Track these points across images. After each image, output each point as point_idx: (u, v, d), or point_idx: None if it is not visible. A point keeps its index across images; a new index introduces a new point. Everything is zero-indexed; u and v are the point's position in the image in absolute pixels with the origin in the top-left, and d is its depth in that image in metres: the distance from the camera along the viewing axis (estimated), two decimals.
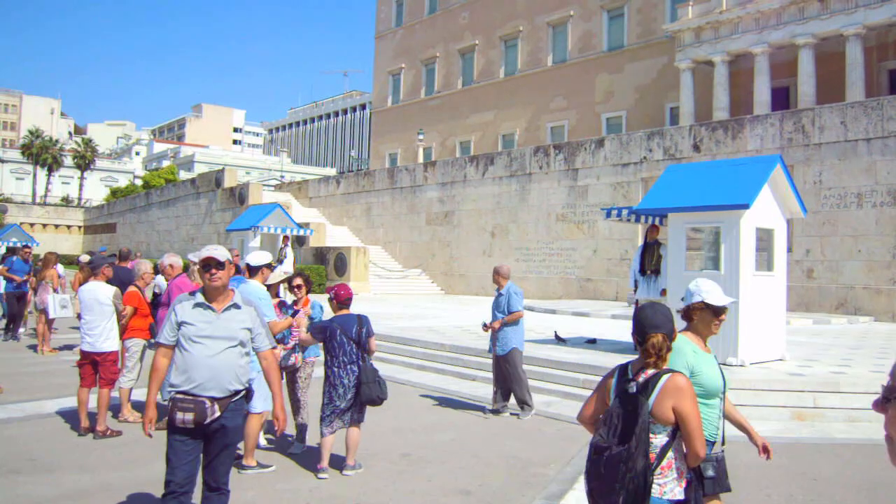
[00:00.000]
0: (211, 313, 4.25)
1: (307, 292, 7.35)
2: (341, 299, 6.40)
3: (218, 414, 4.14)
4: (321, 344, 6.65)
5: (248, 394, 4.40)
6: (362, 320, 6.29)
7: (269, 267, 6.84)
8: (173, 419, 4.10)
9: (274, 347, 4.55)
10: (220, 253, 4.26)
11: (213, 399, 4.14)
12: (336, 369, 6.17)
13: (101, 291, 7.78)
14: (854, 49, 28.85)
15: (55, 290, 13.54)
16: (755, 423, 7.92)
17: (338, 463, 6.28)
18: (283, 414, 4.52)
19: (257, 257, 6.77)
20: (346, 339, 6.17)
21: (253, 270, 6.65)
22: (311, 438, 6.58)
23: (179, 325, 4.24)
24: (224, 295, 4.33)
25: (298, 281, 7.28)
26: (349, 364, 6.15)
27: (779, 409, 8.29)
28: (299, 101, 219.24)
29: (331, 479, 6.02)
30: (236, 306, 4.34)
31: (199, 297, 4.31)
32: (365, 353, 6.21)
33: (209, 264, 4.22)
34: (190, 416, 4.07)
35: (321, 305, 7.34)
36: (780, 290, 10.58)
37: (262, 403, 6.40)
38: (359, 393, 6.08)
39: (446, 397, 9.77)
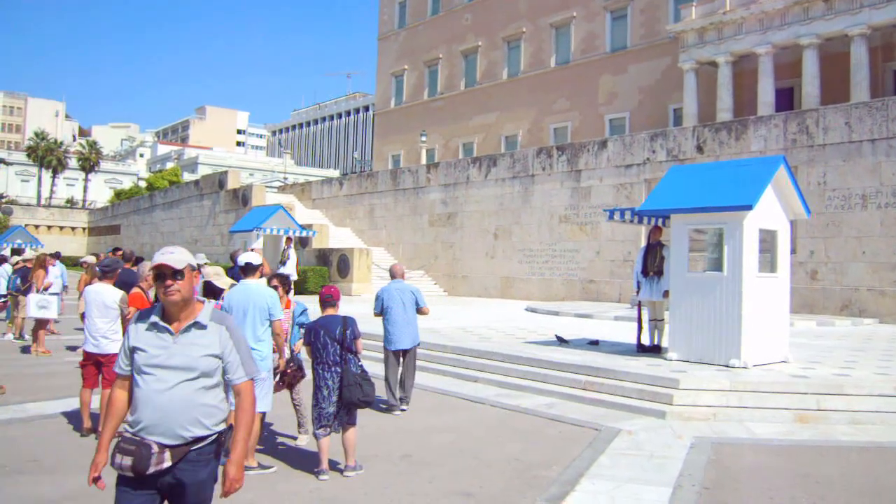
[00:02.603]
0: (167, 336, 3.31)
1: (286, 292, 7.38)
2: (322, 298, 6.47)
3: (168, 464, 3.21)
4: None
5: (221, 442, 3.40)
6: (347, 321, 6.30)
7: (261, 266, 6.88)
8: (112, 462, 3.28)
9: (253, 378, 3.48)
10: (177, 258, 3.33)
11: (162, 446, 3.22)
12: (321, 371, 6.19)
13: (108, 294, 7.79)
14: (859, 49, 28.78)
15: (37, 291, 13.63)
16: (758, 426, 7.93)
17: (338, 465, 6.28)
18: (237, 472, 3.35)
19: (254, 257, 6.73)
20: (330, 340, 6.18)
21: (250, 270, 6.61)
22: (310, 442, 6.56)
23: (132, 351, 3.37)
24: (187, 311, 3.36)
25: (275, 282, 7.28)
26: (333, 365, 6.15)
27: (782, 412, 8.26)
28: (303, 102, 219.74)
29: (332, 481, 6.01)
30: (199, 325, 3.35)
31: (155, 316, 3.38)
32: (349, 355, 6.20)
33: (162, 274, 3.29)
34: (128, 462, 3.19)
35: (304, 306, 7.36)
36: (784, 291, 10.55)
37: (261, 403, 6.38)
38: (342, 395, 6.09)
39: (448, 398, 9.76)
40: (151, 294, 8.63)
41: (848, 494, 5.88)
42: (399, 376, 9.13)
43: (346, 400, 6.07)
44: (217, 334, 3.36)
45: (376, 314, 9.27)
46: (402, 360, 9.23)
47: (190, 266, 3.36)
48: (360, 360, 6.34)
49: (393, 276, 9.58)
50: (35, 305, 13.06)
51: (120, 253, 15.10)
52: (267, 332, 6.43)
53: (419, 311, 9.34)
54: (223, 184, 37.51)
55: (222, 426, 3.39)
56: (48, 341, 14.97)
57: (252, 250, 14.26)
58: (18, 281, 15.25)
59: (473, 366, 11.33)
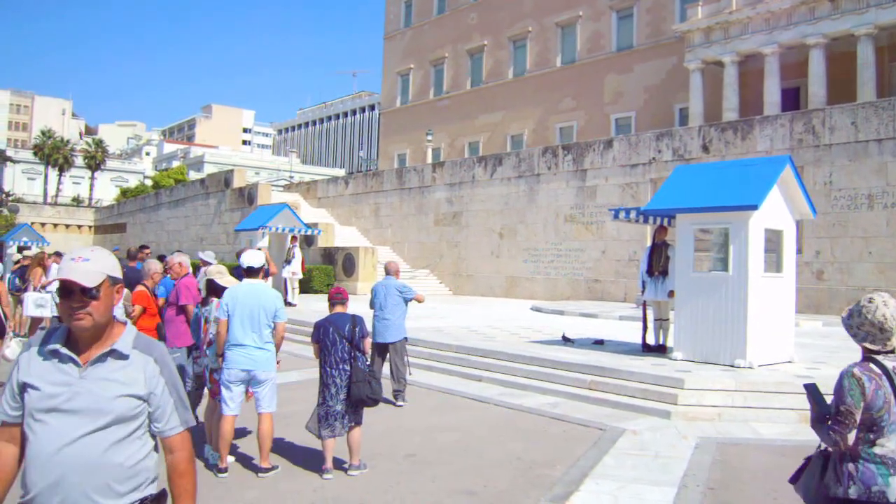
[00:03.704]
0: (71, 369, 2.40)
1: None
2: (331, 297, 6.54)
3: None
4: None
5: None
6: (356, 319, 6.31)
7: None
8: None
9: (191, 427, 2.60)
10: (90, 269, 2.42)
11: None
12: (329, 369, 6.17)
13: None
14: (865, 49, 28.66)
15: (34, 289, 13.63)
16: (763, 426, 7.91)
17: (342, 463, 6.28)
18: None
19: (258, 258, 6.61)
20: (339, 338, 6.17)
21: (254, 272, 6.54)
22: (313, 440, 6.56)
23: (22, 388, 2.42)
24: (102, 336, 2.48)
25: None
26: (342, 363, 6.14)
27: (787, 412, 8.23)
28: (308, 101, 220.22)
29: (335, 480, 6.02)
30: (118, 355, 2.46)
31: (57, 341, 2.44)
32: (358, 353, 6.20)
33: (68, 291, 2.39)
34: None
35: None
36: (790, 291, 10.51)
37: (271, 403, 6.32)
38: (350, 393, 6.09)
39: (452, 398, 9.76)
40: (159, 291, 8.62)
41: None
42: (390, 371, 9.44)
43: (354, 397, 6.06)
44: (142, 368, 2.48)
45: (370, 307, 9.77)
46: (385, 354, 9.60)
47: (110, 279, 2.47)
48: (367, 360, 6.34)
49: (386, 272, 10.01)
50: (32, 304, 13.07)
51: (148, 251, 15.14)
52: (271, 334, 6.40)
53: (414, 299, 9.69)
54: (229, 182, 37.56)
55: (150, 489, 2.51)
56: None
57: (259, 249, 14.27)
58: (17, 280, 15.27)
59: (478, 365, 11.32)
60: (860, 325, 3.21)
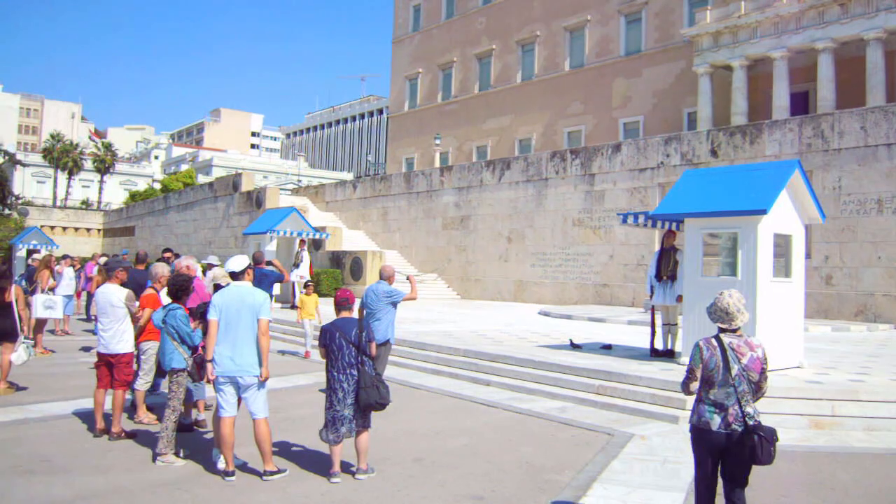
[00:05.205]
0: None
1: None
2: (338, 301, 6.50)
3: None
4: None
5: None
6: (363, 324, 6.30)
7: (252, 268, 6.87)
8: None
9: None
10: None
11: None
12: (336, 373, 6.16)
13: (113, 294, 7.85)
14: (874, 53, 28.56)
15: (42, 291, 13.78)
16: None
17: (350, 467, 6.28)
18: None
19: (240, 262, 6.60)
20: (346, 343, 6.16)
21: (238, 276, 6.53)
22: (321, 444, 6.56)
23: None
24: None
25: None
26: (348, 368, 6.13)
27: (796, 418, 8.19)
28: (317, 105, 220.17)
29: (343, 483, 6.02)
30: None
31: None
32: (365, 357, 6.20)
33: None
34: None
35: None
36: (798, 296, 10.46)
37: (261, 408, 6.28)
38: (358, 398, 6.08)
39: (460, 402, 9.75)
40: (163, 294, 8.65)
41: (862, 501, 5.84)
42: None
43: (362, 402, 6.06)
44: None
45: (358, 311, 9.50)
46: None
47: None
48: (374, 364, 6.33)
49: (380, 276, 9.63)
50: (41, 306, 13.21)
51: (169, 255, 15.22)
52: None
53: (405, 300, 9.33)
54: (237, 186, 37.68)
55: None
56: (60, 342, 15.13)
57: (270, 262, 14.32)
58: (24, 282, 15.39)
59: (486, 369, 11.31)
60: (715, 310, 4.70)
